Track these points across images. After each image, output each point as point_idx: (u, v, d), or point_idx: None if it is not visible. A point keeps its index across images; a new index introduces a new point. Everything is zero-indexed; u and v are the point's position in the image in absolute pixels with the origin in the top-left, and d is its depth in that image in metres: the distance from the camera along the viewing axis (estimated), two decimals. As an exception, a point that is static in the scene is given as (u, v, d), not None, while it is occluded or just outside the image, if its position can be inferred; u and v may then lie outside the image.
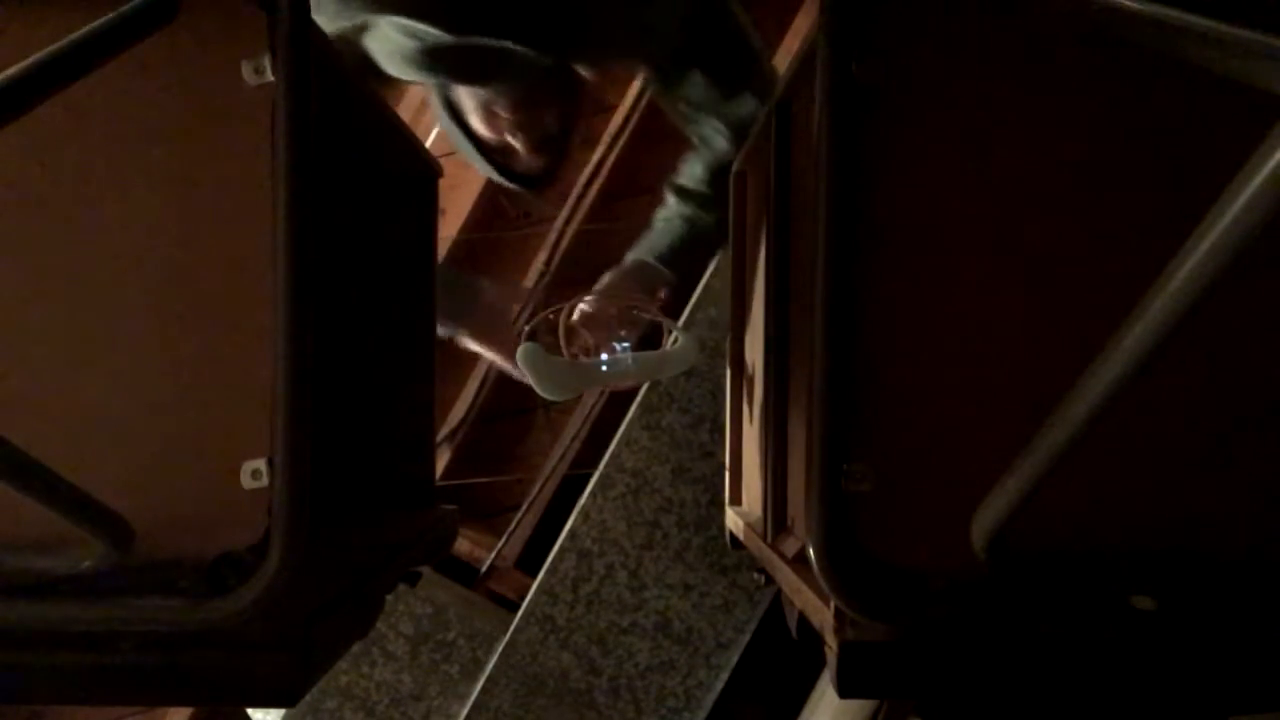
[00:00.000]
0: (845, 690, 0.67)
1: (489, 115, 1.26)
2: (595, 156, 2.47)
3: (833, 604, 0.66)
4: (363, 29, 1.11)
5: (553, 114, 1.29)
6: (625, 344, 1.33)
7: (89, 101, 0.64)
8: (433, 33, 1.07)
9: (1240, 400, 0.67)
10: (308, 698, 1.95)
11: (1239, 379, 0.67)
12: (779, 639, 1.90)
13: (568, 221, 2.45)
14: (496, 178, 1.37)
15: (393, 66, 1.15)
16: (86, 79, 0.55)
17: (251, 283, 0.64)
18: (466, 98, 1.26)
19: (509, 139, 1.29)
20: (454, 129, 1.30)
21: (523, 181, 1.37)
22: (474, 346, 1.42)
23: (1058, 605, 0.65)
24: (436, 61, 1.13)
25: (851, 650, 0.66)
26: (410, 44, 1.10)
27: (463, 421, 2.44)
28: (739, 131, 1.31)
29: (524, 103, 1.24)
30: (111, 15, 0.57)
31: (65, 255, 0.67)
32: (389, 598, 1.00)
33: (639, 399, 1.99)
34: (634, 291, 1.37)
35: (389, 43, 1.12)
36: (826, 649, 0.69)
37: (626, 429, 1.99)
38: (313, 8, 0.98)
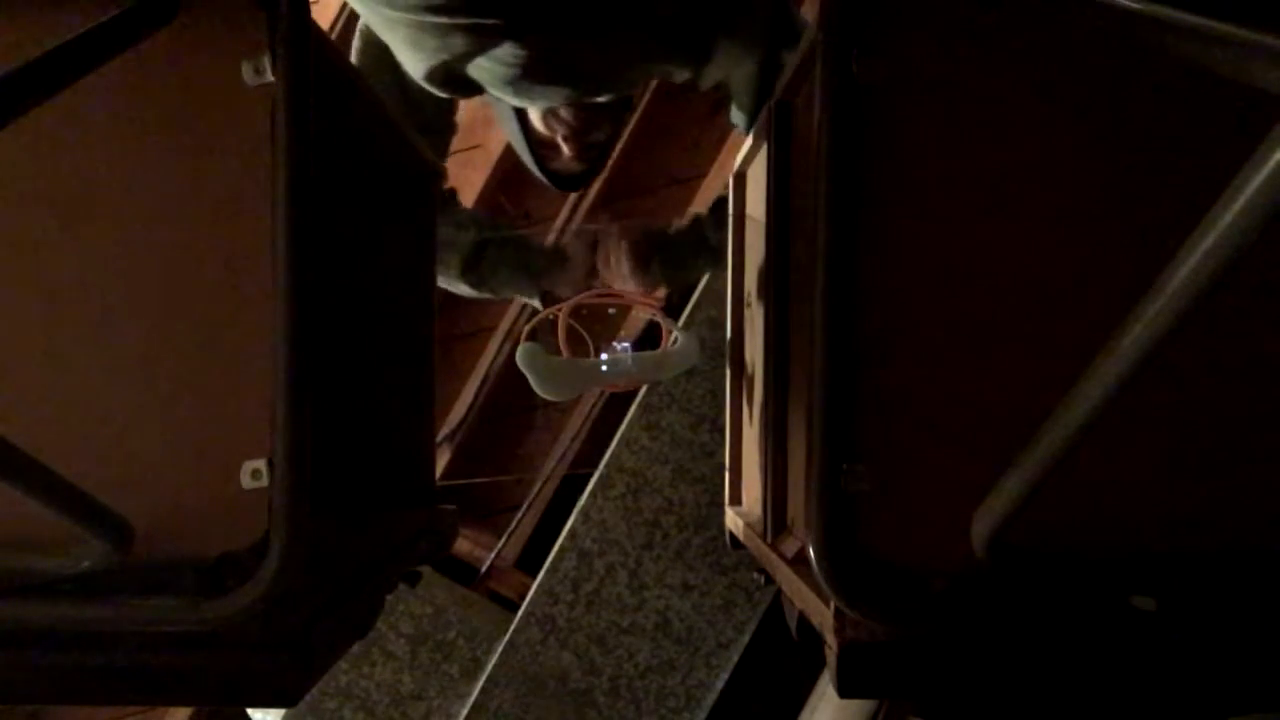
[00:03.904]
0: (845, 690, 0.67)
1: (550, 114, 1.35)
2: (595, 156, 2.46)
3: (833, 604, 0.66)
4: (465, 58, 1.18)
5: (604, 128, 1.41)
6: (625, 344, 1.33)
7: (89, 101, 0.64)
8: (526, 55, 1.14)
9: (1241, 401, 0.67)
10: (308, 698, 1.95)
11: (1239, 379, 0.67)
12: (779, 639, 1.90)
13: (568, 221, 2.45)
14: (535, 171, 1.47)
15: (497, 90, 1.25)
16: (86, 79, 0.55)
17: (251, 283, 0.64)
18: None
19: (560, 139, 1.38)
20: (511, 120, 1.39)
21: (556, 179, 1.48)
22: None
23: (1058, 605, 0.65)
24: (535, 83, 1.22)
25: (851, 650, 0.67)
26: (512, 71, 1.17)
27: (463, 421, 2.44)
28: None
29: (586, 109, 1.34)
30: (111, 15, 0.57)
31: (65, 255, 0.67)
32: (389, 598, 1.00)
33: (639, 399, 1.99)
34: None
35: (492, 71, 1.19)
36: (826, 649, 0.69)
37: (626, 429, 1.99)
38: (405, 48, 0.96)
